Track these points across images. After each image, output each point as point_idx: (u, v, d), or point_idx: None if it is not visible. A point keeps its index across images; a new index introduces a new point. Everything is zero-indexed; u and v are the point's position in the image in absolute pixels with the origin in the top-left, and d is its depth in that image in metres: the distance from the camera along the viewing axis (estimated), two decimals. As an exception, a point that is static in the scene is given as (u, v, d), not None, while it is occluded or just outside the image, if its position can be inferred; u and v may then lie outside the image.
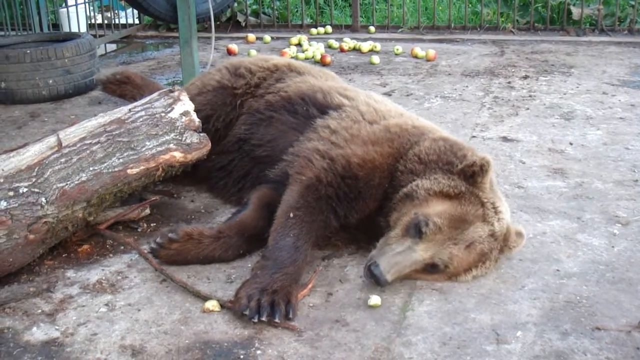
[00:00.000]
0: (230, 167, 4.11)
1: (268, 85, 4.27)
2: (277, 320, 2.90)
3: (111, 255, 3.59)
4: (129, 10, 10.44)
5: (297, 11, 10.75)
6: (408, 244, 3.15)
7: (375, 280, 3.09)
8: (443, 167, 3.37)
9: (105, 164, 3.50)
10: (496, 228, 3.25)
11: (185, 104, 3.79)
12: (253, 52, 8.31)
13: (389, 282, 3.11)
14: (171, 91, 3.83)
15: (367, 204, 3.47)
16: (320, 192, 3.38)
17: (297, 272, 3.13)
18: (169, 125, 3.70)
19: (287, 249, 3.17)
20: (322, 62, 7.79)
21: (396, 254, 3.13)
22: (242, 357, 2.75)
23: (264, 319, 2.89)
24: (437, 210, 3.19)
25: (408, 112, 3.99)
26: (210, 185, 4.26)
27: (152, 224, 3.90)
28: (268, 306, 2.92)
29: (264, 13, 10.53)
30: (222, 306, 3.06)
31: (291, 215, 3.29)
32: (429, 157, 3.43)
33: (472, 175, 3.28)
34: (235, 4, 9.87)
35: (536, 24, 9.49)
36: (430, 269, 3.19)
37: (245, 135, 4.09)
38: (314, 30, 9.80)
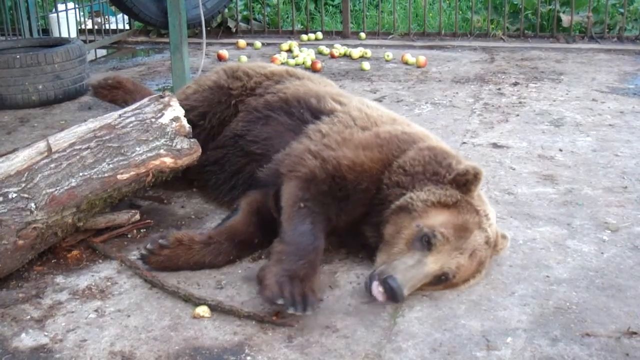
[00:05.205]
0: (223, 161, 4.11)
1: (267, 86, 4.30)
2: (309, 312, 2.89)
3: (100, 261, 3.57)
4: (120, 16, 10.42)
5: (287, 17, 10.76)
6: (417, 257, 3.09)
7: (391, 295, 2.97)
8: (431, 178, 3.35)
9: (95, 170, 3.49)
10: (490, 234, 3.26)
11: (176, 110, 3.79)
12: (244, 57, 8.31)
13: (405, 298, 3.04)
14: (161, 97, 3.83)
15: (355, 208, 3.45)
16: (319, 187, 3.38)
17: (317, 261, 3.13)
18: (159, 131, 3.70)
19: (307, 235, 3.17)
20: (312, 69, 7.79)
21: (409, 268, 3.06)
22: (232, 363, 2.75)
23: (299, 312, 2.88)
24: (439, 220, 3.16)
25: (401, 117, 3.99)
26: (203, 183, 4.25)
27: (141, 230, 3.88)
28: (300, 297, 2.90)
29: (255, 19, 10.54)
30: (212, 311, 3.06)
31: (302, 205, 3.29)
32: (414, 169, 3.40)
33: (465, 184, 3.27)
34: (226, 10, 9.88)
35: (526, 31, 9.54)
36: (438, 280, 3.15)
37: (242, 131, 4.11)
38: (304, 37, 9.80)
